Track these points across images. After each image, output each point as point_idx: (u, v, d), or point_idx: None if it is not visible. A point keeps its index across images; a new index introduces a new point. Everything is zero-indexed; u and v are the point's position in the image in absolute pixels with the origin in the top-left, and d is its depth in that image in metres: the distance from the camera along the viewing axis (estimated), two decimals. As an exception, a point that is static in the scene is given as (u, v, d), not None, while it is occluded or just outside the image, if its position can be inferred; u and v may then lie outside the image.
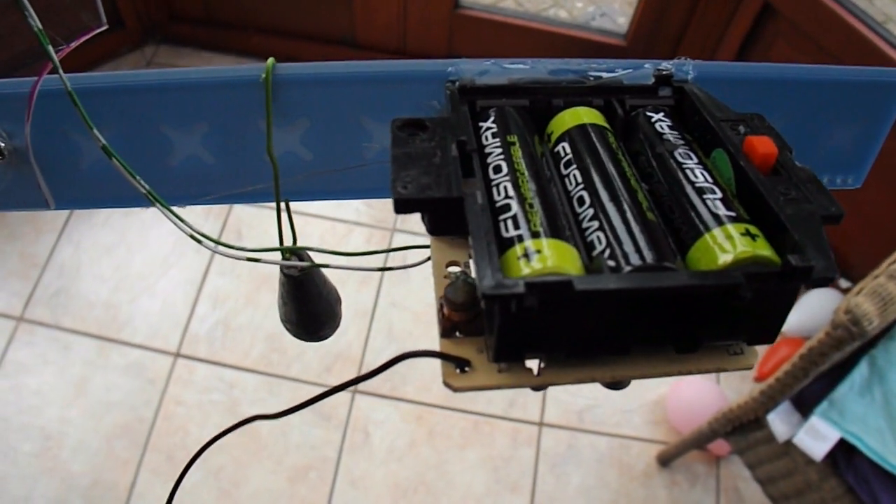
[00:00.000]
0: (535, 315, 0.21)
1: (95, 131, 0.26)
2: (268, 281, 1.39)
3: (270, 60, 0.27)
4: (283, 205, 0.31)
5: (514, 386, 0.23)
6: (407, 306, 1.38)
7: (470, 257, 0.27)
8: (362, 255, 0.31)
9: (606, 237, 0.22)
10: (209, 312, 1.36)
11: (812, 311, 1.33)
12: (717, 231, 0.22)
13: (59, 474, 1.20)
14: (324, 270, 0.33)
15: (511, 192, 0.23)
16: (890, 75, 0.31)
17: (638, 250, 0.22)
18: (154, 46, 1.70)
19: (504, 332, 0.22)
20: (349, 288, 1.39)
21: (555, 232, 0.22)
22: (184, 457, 1.22)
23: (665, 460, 1.24)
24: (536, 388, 0.24)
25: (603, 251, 0.22)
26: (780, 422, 0.96)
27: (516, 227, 0.22)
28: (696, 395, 1.26)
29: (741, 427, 1.02)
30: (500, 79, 0.28)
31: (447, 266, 0.27)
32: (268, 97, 0.28)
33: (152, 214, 1.43)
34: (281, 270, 0.31)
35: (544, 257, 0.21)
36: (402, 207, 0.23)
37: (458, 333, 0.25)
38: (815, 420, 0.92)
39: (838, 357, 0.90)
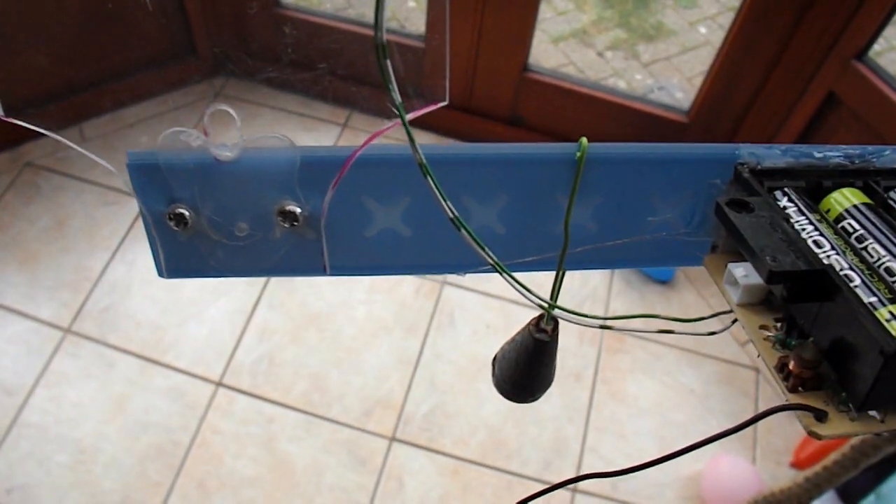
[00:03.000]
0: None
1: (448, 203, 0.27)
2: (316, 320, 1.40)
3: (584, 140, 0.29)
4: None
5: (867, 432, 0.26)
6: (451, 359, 1.38)
7: (776, 321, 0.29)
8: (643, 319, 0.33)
9: None
10: (255, 345, 1.37)
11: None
12: None
13: (90, 489, 1.21)
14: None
15: (845, 264, 0.26)
16: None
17: None
18: (224, 79, 1.74)
19: (879, 384, 0.24)
20: (395, 335, 1.40)
21: None
22: (216, 486, 1.22)
23: (696, 540, 1.23)
24: (879, 435, 0.27)
25: None
26: (824, 513, 0.95)
27: (869, 294, 0.25)
28: (732, 474, 1.25)
29: (782, 514, 1.01)
30: (778, 162, 0.30)
31: (760, 328, 0.29)
32: (577, 175, 0.30)
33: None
34: (529, 333, 0.32)
35: None
36: (774, 279, 0.26)
37: (800, 389, 0.27)
38: (861, 514, 0.92)
39: (891, 450, 0.90)
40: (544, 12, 2.04)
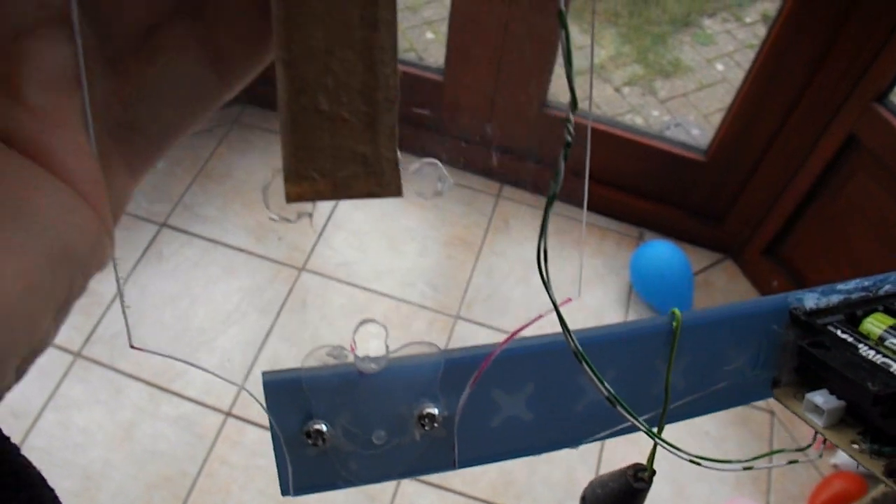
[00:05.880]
0: None
1: (606, 385, 0.29)
2: (327, 351, 1.39)
3: (677, 312, 0.32)
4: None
5: None
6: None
7: (859, 434, 0.32)
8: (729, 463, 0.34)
9: None
10: (266, 375, 1.35)
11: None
12: None
13: (95, 517, 1.20)
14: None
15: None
16: None
17: None
18: (241, 107, 1.74)
19: None
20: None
21: None
22: (222, 518, 1.21)
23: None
24: None
25: None
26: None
27: None
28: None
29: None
30: (819, 303, 0.35)
31: (851, 444, 0.32)
32: (674, 341, 0.33)
33: (220, 269, 1.45)
34: (627, 481, 0.33)
35: None
36: (880, 402, 0.30)
37: None
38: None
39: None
40: (562, 47, 2.05)
